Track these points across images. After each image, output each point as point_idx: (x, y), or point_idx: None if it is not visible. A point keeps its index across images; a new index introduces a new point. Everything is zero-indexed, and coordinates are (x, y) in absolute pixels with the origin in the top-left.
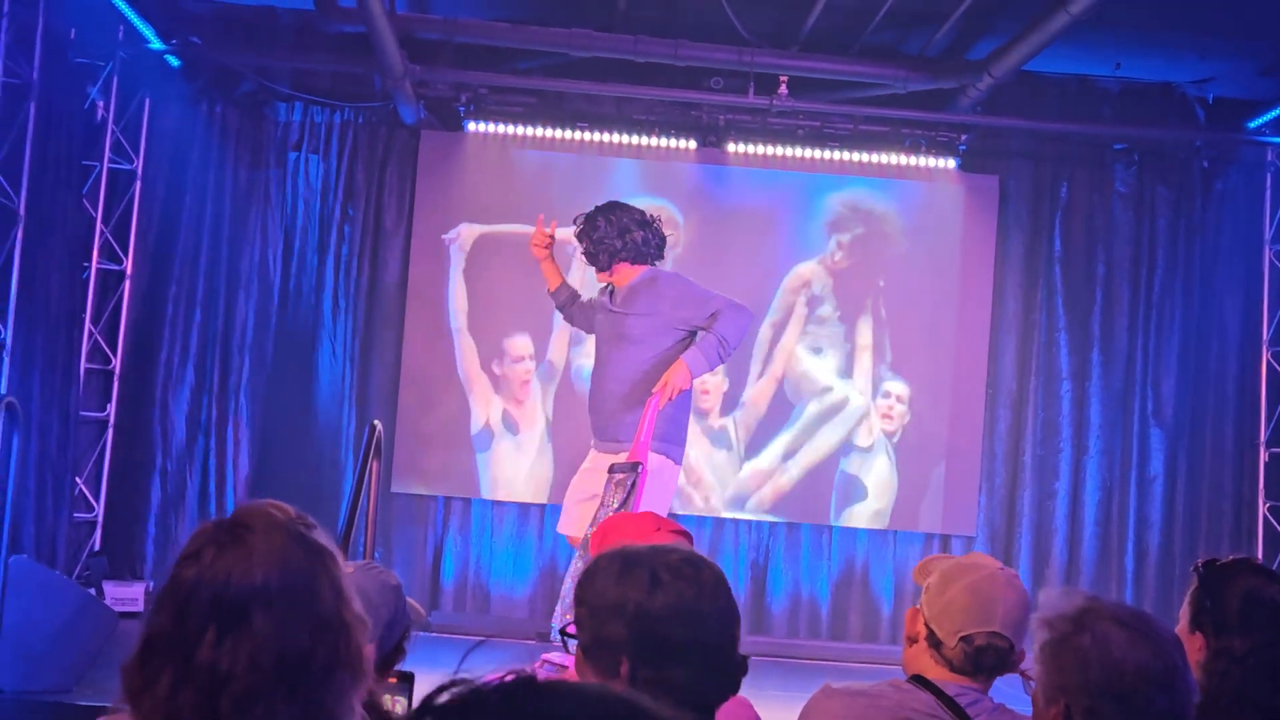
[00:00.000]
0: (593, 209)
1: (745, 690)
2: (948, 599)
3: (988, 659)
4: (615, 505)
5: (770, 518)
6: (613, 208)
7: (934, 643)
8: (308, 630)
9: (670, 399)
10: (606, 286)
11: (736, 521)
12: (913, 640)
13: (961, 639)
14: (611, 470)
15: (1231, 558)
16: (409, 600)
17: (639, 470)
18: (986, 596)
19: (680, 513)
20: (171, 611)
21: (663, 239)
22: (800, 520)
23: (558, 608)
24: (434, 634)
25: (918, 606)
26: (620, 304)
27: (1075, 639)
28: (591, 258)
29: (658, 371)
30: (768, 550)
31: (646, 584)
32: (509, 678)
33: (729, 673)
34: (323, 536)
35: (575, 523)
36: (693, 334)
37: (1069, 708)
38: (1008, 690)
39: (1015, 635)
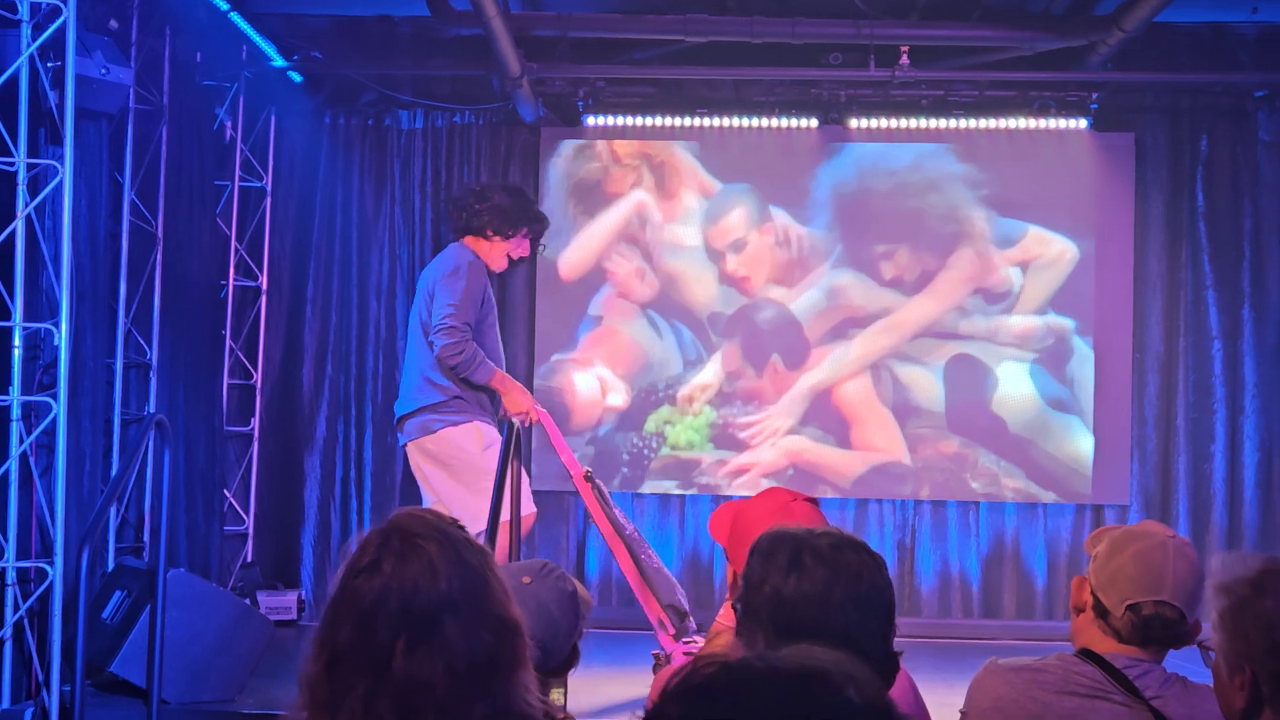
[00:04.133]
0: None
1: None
2: (1115, 567)
3: (1155, 629)
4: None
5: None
6: None
7: (1100, 612)
8: (491, 631)
9: None
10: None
11: (880, 502)
12: (1079, 609)
13: (1129, 608)
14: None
15: None
16: (580, 590)
17: None
18: (1156, 565)
19: (829, 497)
20: (356, 623)
21: None
22: (946, 497)
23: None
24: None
25: (1085, 575)
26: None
27: (1256, 603)
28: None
29: None
30: (914, 530)
31: (785, 566)
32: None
33: (872, 663)
34: (476, 539)
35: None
36: None
37: (1255, 675)
38: (1187, 665)
39: (1186, 605)
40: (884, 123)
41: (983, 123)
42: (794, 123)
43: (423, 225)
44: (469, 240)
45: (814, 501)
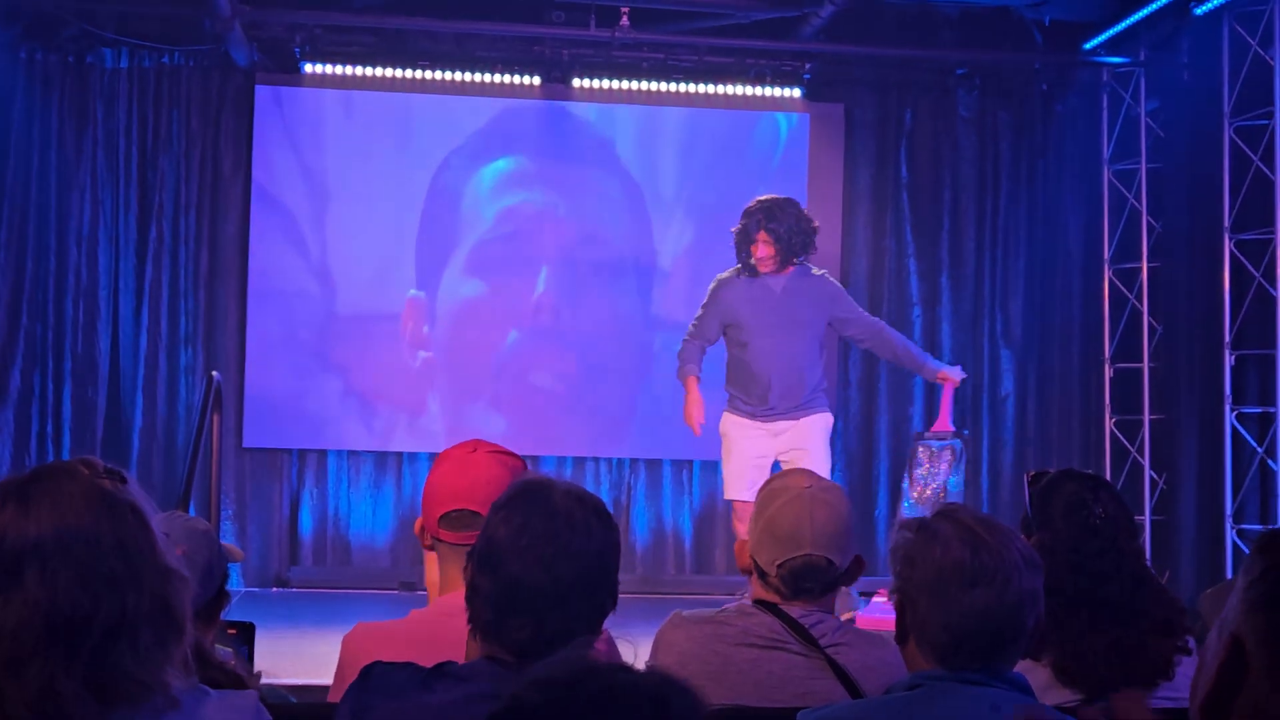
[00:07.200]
0: (771, 201)
1: (611, 625)
2: (760, 529)
3: (807, 579)
4: (943, 469)
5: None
6: (789, 204)
7: (760, 574)
8: (88, 590)
9: None
10: (744, 274)
11: (598, 460)
12: (747, 572)
13: (778, 566)
14: (926, 439)
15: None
16: (224, 544)
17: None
18: (794, 520)
19: (546, 454)
20: None
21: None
22: (661, 456)
23: None
24: (295, 589)
25: (745, 539)
26: (786, 292)
27: (912, 539)
28: (787, 244)
29: (817, 349)
30: (629, 488)
31: (499, 512)
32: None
33: (537, 616)
34: (132, 493)
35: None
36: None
37: (901, 604)
38: None
39: (833, 550)
40: (606, 84)
41: (702, 88)
42: (517, 79)
43: (128, 170)
44: None
45: (508, 454)
